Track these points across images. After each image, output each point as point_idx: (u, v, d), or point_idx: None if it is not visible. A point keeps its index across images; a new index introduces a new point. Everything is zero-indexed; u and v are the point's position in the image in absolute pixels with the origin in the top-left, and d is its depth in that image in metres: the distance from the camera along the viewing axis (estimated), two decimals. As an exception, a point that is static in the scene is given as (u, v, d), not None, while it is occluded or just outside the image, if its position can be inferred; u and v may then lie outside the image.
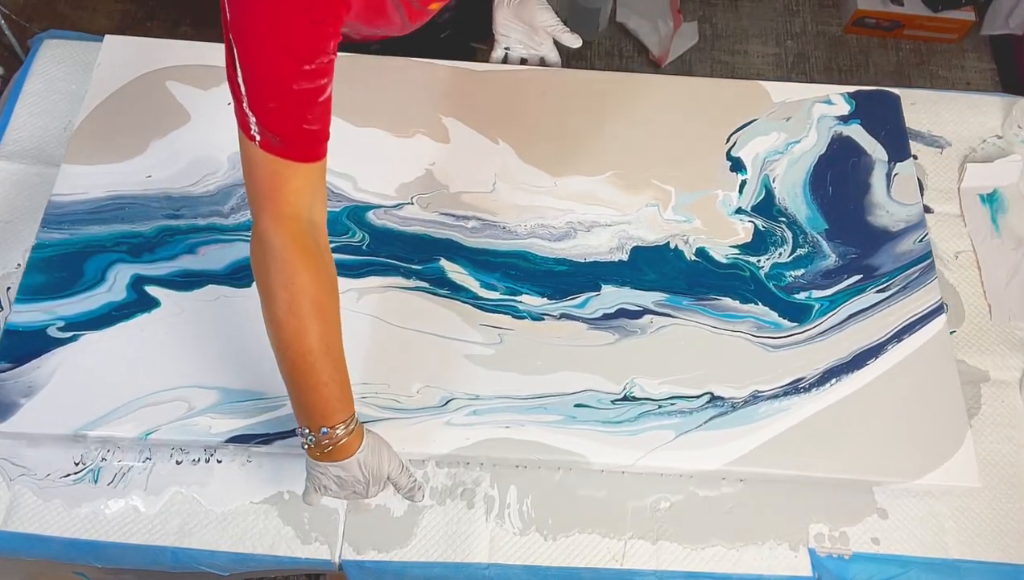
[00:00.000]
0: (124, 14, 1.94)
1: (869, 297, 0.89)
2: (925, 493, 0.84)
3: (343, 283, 0.81)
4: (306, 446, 0.69)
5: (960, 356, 0.91)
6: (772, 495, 0.83)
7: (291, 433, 0.77)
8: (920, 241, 0.93)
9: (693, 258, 0.90)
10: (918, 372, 0.85)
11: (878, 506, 0.83)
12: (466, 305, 0.86)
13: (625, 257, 0.90)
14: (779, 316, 0.87)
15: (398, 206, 0.91)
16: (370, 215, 0.90)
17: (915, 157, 1.03)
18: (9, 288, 0.89)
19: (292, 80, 0.61)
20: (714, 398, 0.82)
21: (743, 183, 0.95)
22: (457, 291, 0.87)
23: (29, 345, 0.81)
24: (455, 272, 0.88)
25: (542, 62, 1.03)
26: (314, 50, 0.61)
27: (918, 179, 1.00)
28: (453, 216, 0.91)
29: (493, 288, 0.87)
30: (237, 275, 0.87)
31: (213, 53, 0.98)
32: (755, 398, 0.83)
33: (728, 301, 0.88)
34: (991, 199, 1.02)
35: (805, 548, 0.81)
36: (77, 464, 0.81)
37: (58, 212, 0.88)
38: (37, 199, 0.93)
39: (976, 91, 1.19)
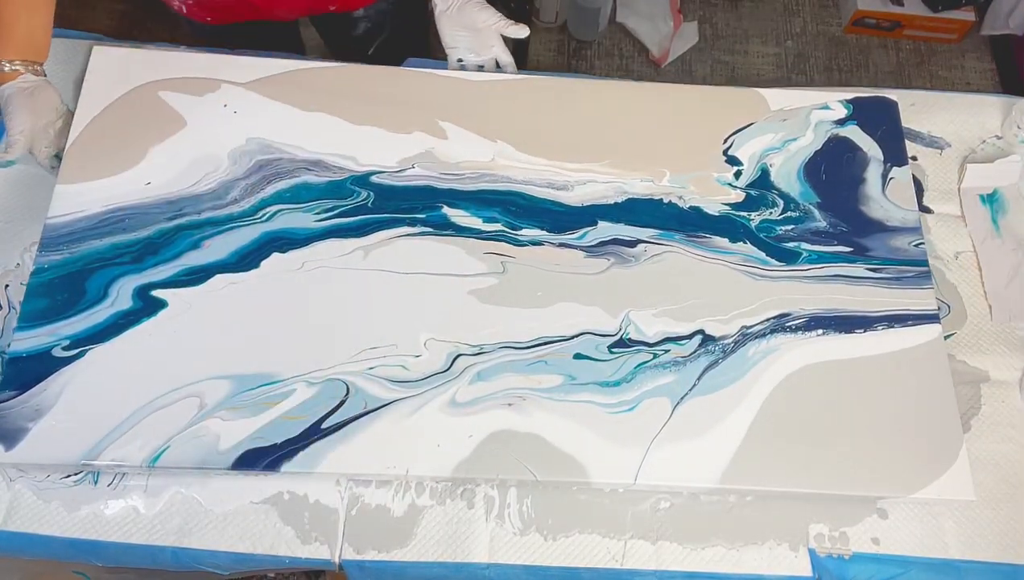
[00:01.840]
0: (124, 14, 1.94)
1: (859, 269, 0.91)
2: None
3: (351, 244, 0.88)
4: None
5: (960, 356, 0.92)
6: (772, 495, 0.83)
7: (297, 442, 0.77)
8: (916, 245, 0.93)
9: (687, 209, 0.93)
10: (912, 379, 0.85)
11: (878, 506, 0.84)
12: (469, 239, 0.89)
13: (620, 200, 0.94)
14: (767, 255, 0.91)
15: (401, 171, 0.93)
16: (373, 178, 0.92)
17: (914, 158, 1.04)
18: (7, 285, 0.89)
19: None
20: (705, 339, 0.86)
21: (738, 172, 0.96)
22: (461, 231, 0.90)
23: (34, 370, 0.79)
24: (458, 215, 0.91)
25: (497, 65, 1.02)
26: None
27: (918, 180, 1.00)
28: (454, 175, 0.94)
29: (494, 220, 0.91)
30: (244, 261, 0.86)
31: (205, 63, 0.97)
32: (743, 337, 0.86)
33: (718, 239, 0.92)
34: (991, 199, 1.02)
35: (805, 548, 0.81)
36: (77, 464, 0.81)
37: (55, 234, 0.86)
38: (37, 199, 0.93)
39: (976, 91, 1.19)
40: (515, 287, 0.87)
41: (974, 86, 2.02)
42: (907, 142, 1.01)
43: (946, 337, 0.90)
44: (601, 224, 0.91)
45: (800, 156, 0.98)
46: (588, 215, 0.92)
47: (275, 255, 0.87)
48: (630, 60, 2.03)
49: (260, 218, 0.88)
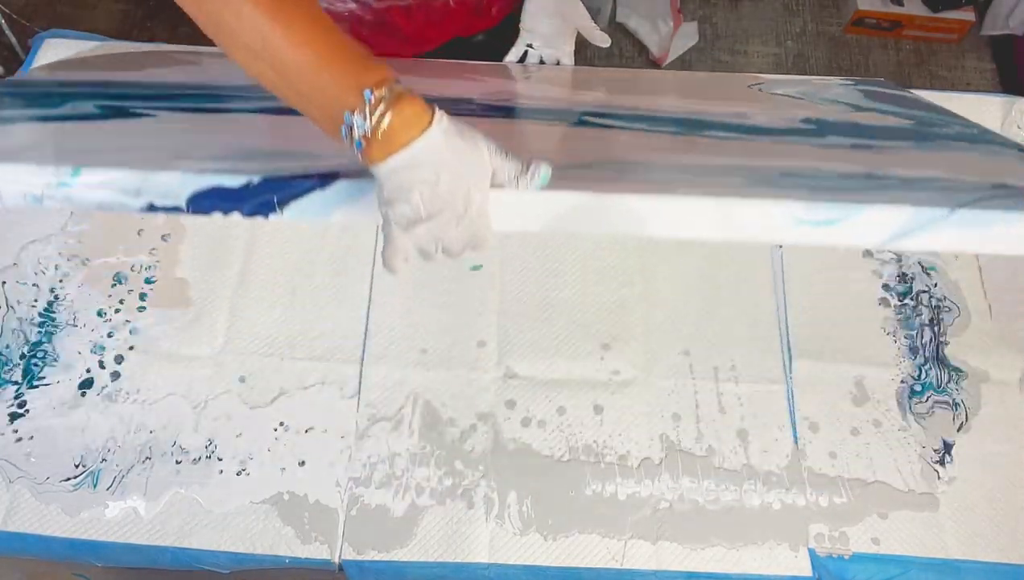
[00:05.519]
0: (124, 14, 1.94)
1: None
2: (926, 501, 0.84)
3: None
4: (361, 140, 0.47)
5: (961, 356, 0.91)
6: (772, 495, 0.83)
7: (295, 185, 0.53)
8: None
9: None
10: None
11: (877, 506, 0.83)
12: None
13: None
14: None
15: None
16: None
17: None
18: (4, 282, 0.89)
19: None
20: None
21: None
22: None
23: None
24: None
25: (557, 63, 0.96)
26: None
27: None
28: None
29: None
30: None
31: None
32: None
33: None
34: (991, 199, 1.02)
35: (805, 548, 0.81)
36: (77, 466, 0.81)
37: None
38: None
39: (976, 91, 1.19)
40: None
41: (974, 86, 2.02)
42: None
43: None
44: None
45: None
46: None
47: None
48: (630, 60, 2.02)
49: None
